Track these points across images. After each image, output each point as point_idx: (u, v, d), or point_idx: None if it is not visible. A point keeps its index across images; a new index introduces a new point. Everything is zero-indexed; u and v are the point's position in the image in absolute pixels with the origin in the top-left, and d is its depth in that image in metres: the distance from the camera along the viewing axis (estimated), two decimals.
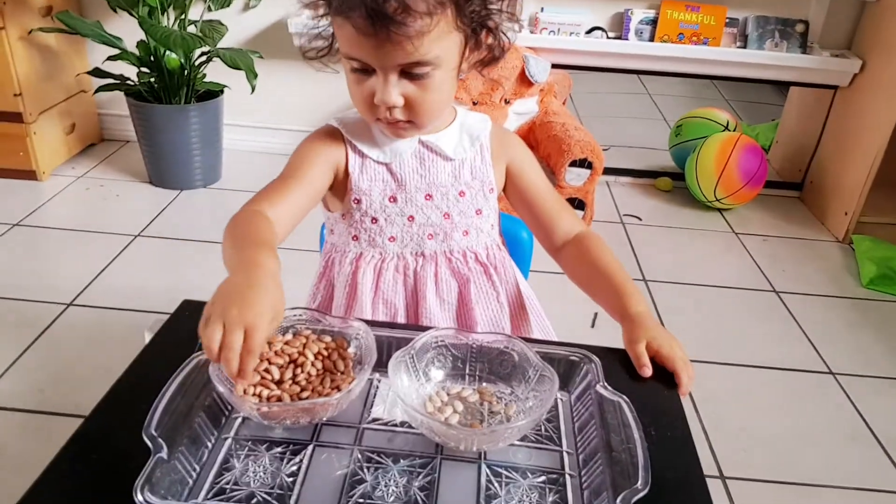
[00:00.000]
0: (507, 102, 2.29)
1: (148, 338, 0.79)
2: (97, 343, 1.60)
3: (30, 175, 2.35)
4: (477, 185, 0.90)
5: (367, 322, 0.74)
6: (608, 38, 2.42)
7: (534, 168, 0.95)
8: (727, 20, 2.36)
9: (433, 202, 0.89)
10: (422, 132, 0.86)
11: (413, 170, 0.88)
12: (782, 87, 3.01)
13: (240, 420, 0.67)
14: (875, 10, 2.30)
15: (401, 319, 0.92)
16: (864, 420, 1.54)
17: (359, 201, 0.88)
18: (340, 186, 0.89)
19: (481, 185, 0.90)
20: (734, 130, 2.67)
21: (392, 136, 0.86)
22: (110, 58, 2.23)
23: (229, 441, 0.65)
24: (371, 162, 0.88)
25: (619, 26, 2.44)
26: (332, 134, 0.89)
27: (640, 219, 2.42)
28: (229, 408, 0.68)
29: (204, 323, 0.60)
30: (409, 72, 0.75)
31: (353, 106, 0.85)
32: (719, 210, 2.51)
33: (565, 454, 0.66)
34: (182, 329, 0.78)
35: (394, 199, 0.88)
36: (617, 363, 0.77)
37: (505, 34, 0.80)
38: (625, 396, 0.66)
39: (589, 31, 2.41)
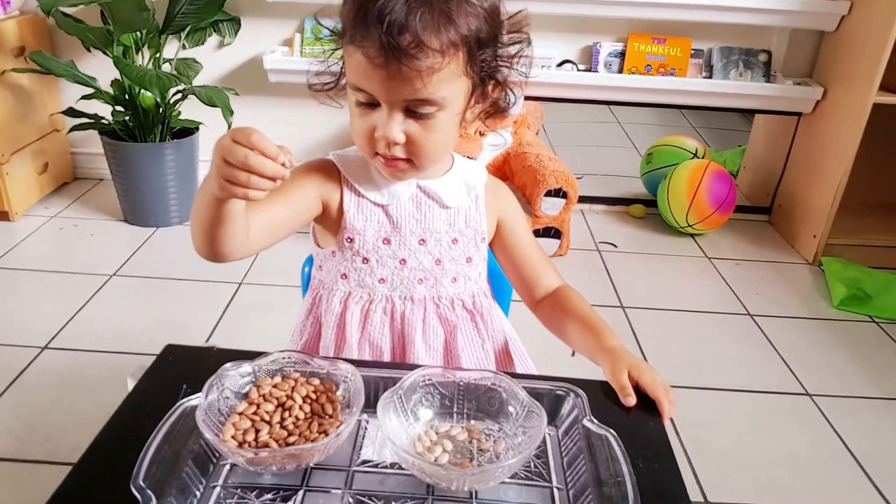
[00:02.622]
0: (481, 134, 2.32)
1: (131, 385, 0.78)
2: (74, 387, 1.57)
3: (1, 216, 2.32)
4: (470, 233, 0.91)
5: (355, 361, 0.74)
6: (578, 70, 2.47)
7: (522, 223, 0.96)
8: (692, 51, 2.43)
9: (426, 247, 0.89)
10: (420, 175, 0.86)
11: (410, 214, 0.88)
12: (748, 114, 3.09)
13: (228, 467, 0.67)
14: (833, 39, 2.39)
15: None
16: (842, 440, 1.57)
17: (352, 240, 0.87)
18: (334, 223, 0.88)
19: (474, 234, 0.91)
20: (703, 157, 2.74)
21: (388, 176, 0.85)
22: (84, 97, 2.22)
23: (218, 489, 0.64)
24: (368, 202, 0.87)
25: (589, 59, 2.50)
26: (328, 168, 0.88)
27: (615, 245, 2.45)
28: (217, 455, 0.67)
29: (225, 185, 0.64)
30: (413, 110, 0.75)
31: (335, 144, 0.85)
32: (692, 235, 2.56)
33: (555, 490, 0.66)
34: (166, 375, 0.78)
35: (387, 242, 0.88)
36: (601, 394, 0.78)
37: (512, 90, 0.82)
38: (612, 430, 0.67)
39: (560, 64, 2.47)
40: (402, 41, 0.70)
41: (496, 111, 0.84)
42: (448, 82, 0.74)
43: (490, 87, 0.81)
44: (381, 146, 0.78)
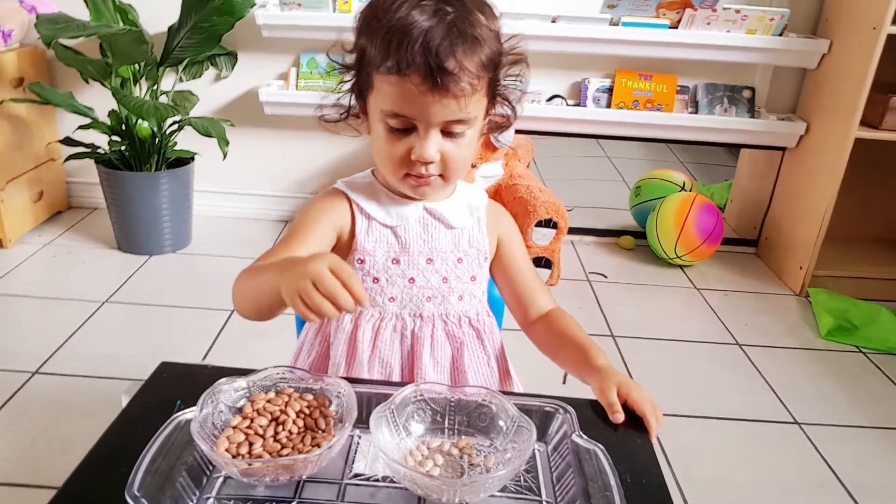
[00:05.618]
0: (473, 166, 2.36)
1: (125, 401, 0.79)
2: (64, 412, 1.56)
3: None
4: (473, 252, 0.95)
5: (348, 378, 0.76)
6: (568, 105, 2.53)
7: (520, 245, 1.00)
8: (678, 88, 2.50)
9: (433, 266, 0.92)
10: (439, 192, 0.91)
11: (417, 235, 0.92)
12: (734, 149, 3.16)
13: (221, 479, 0.67)
14: (815, 76, 2.46)
15: (395, 379, 0.93)
16: (830, 468, 1.57)
17: (362, 261, 0.91)
18: (344, 247, 0.92)
19: (477, 254, 0.95)
20: (690, 190, 2.78)
21: (416, 193, 0.89)
22: (81, 127, 2.25)
23: (212, 501, 0.65)
24: (377, 224, 0.91)
25: (578, 94, 2.56)
26: (338, 199, 0.92)
27: (605, 276, 2.48)
28: (211, 467, 0.68)
29: (293, 303, 0.67)
30: (448, 129, 0.81)
31: (329, 174, 0.88)
32: (680, 266, 2.59)
33: (545, 503, 0.67)
34: (160, 392, 0.78)
35: (396, 262, 0.91)
36: (590, 412, 0.79)
37: (513, 106, 0.88)
38: (600, 445, 0.68)
39: (549, 99, 2.52)
40: (448, 66, 0.75)
41: (498, 126, 0.91)
42: (477, 101, 0.81)
43: (497, 103, 0.87)
44: (417, 167, 0.82)
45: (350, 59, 0.85)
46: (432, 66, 0.74)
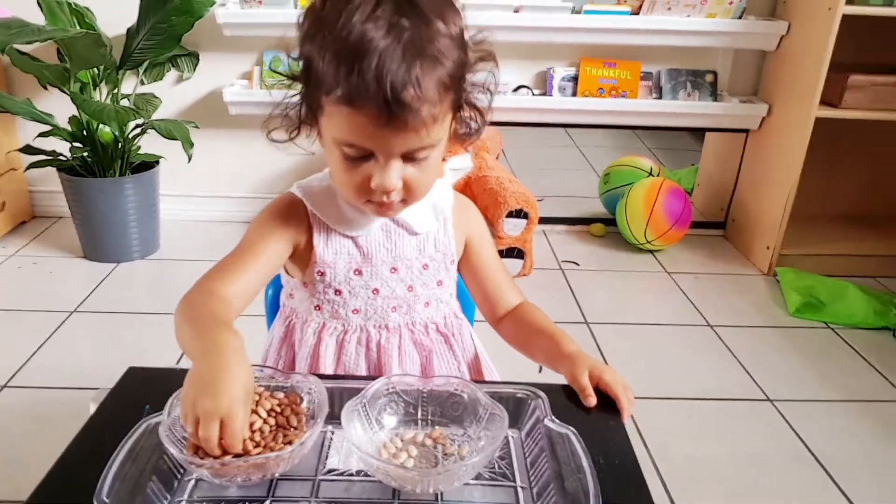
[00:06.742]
0: (443, 159, 2.36)
1: (93, 408, 0.78)
2: (35, 424, 1.53)
3: None
4: (440, 257, 0.91)
5: (321, 375, 0.75)
6: (534, 95, 2.54)
7: (489, 243, 0.97)
8: (642, 74, 2.52)
9: (398, 275, 0.89)
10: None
11: (380, 244, 0.88)
12: (698, 133, 3.20)
13: (193, 482, 0.67)
14: (775, 58, 2.50)
15: None
16: (803, 442, 1.61)
17: (323, 273, 0.87)
18: (303, 257, 0.87)
19: (443, 258, 0.91)
20: (658, 176, 2.82)
21: (378, 215, 0.84)
22: (42, 134, 2.20)
23: None
24: (337, 235, 0.87)
25: (544, 84, 2.57)
26: (294, 206, 0.87)
27: (577, 264, 2.50)
28: (182, 470, 0.67)
29: (183, 419, 0.62)
30: (410, 156, 0.74)
31: (296, 174, 0.85)
32: (651, 251, 2.62)
33: (519, 489, 0.68)
34: (128, 397, 0.77)
35: (359, 272, 0.88)
36: (562, 397, 0.80)
37: (479, 110, 0.81)
38: (572, 428, 0.69)
39: (515, 90, 2.53)
40: (405, 97, 0.67)
41: (467, 133, 0.82)
42: (441, 123, 0.74)
43: (464, 112, 0.80)
44: (378, 195, 0.76)
45: (296, 65, 0.75)
46: (388, 98, 0.67)
